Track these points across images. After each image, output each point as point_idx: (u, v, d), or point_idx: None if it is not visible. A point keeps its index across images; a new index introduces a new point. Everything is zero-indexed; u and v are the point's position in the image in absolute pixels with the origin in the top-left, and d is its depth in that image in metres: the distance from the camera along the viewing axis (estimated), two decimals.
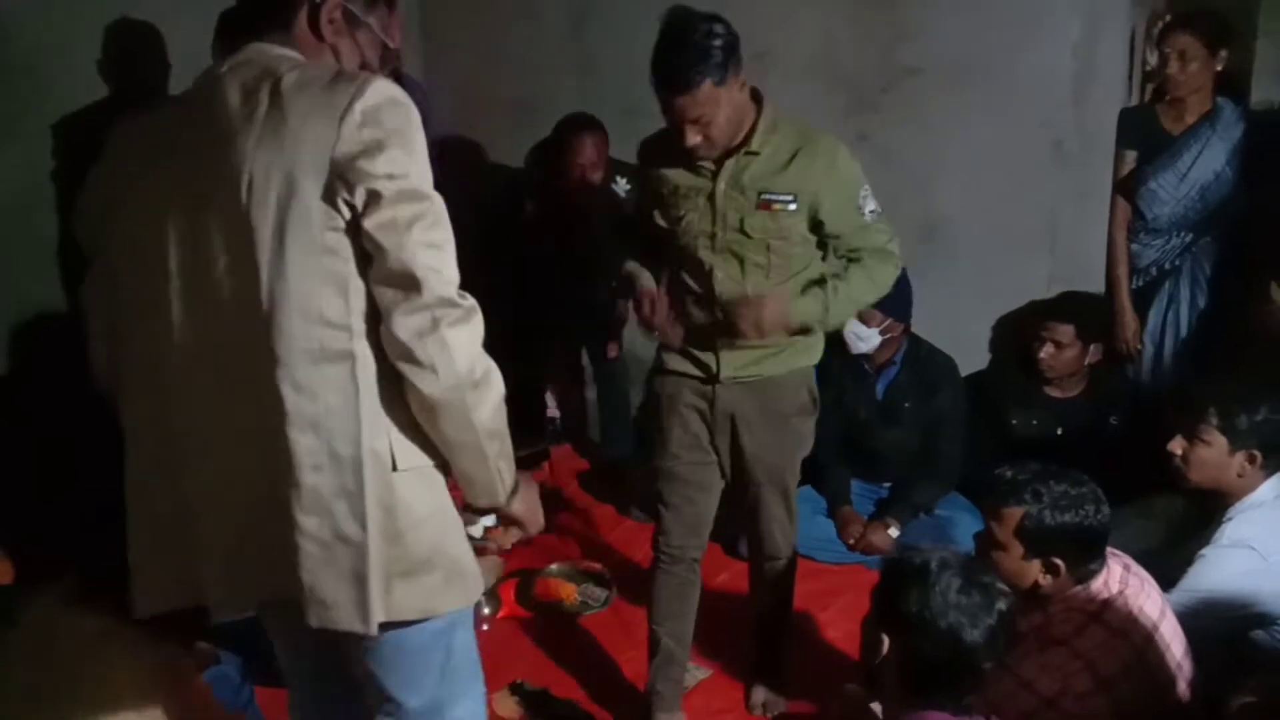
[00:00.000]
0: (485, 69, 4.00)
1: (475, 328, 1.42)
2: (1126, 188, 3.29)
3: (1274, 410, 2.25)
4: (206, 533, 1.46)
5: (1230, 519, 2.25)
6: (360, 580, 1.41)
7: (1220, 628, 2.16)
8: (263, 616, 1.67)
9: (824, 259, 2.37)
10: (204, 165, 1.39)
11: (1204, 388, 2.42)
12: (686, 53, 2.09)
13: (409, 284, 1.36)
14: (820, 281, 2.31)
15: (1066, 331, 3.23)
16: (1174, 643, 1.97)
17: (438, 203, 1.40)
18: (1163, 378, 3.27)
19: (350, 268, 1.37)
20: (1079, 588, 1.95)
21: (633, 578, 2.95)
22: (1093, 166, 3.38)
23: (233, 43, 1.47)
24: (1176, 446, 2.31)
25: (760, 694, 2.61)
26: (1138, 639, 1.92)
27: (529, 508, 1.63)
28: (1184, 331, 3.25)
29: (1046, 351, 3.25)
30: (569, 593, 3.00)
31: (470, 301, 1.41)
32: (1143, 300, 3.29)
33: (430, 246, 1.37)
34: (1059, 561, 1.93)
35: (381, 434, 1.42)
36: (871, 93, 3.50)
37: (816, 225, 2.28)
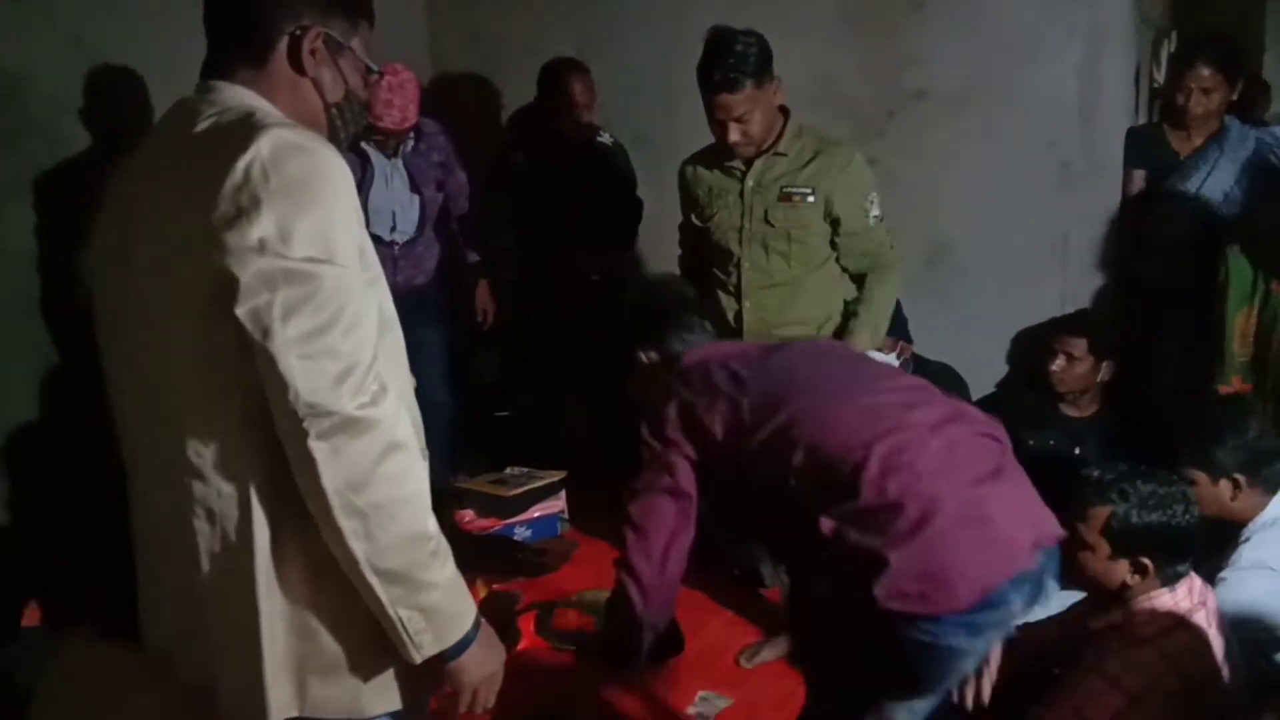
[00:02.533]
0: (490, 100, 4.05)
1: (360, 444, 1.17)
2: (1136, 207, 3.30)
3: (1237, 434, 2.29)
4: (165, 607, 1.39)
5: (1247, 539, 2.25)
6: (255, 674, 1.27)
7: (1242, 649, 2.15)
8: None
9: (837, 259, 2.74)
10: (124, 225, 1.29)
11: (1172, 430, 2.44)
12: (731, 59, 2.46)
13: (277, 383, 1.15)
14: (848, 315, 2.74)
15: (1079, 345, 3.23)
16: (1236, 672, 1.96)
17: (329, 280, 1.17)
18: (1178, 396, 3.26)
19: (235, 349, 1.18)
20: (1165, 591, 1.92)
21: None
22: (1101, 187, 3.39)
23: (203, 79, 1.35)
24: None
25: None
26: (1219, 650, 1.91)
27: (472, 679, 1.33)
28: (1196, 349, 3.25)
29: (1058, 364, 3.25)
30: (589, 624, 3.00)
31: (359, 411, 1.16)
32: (1155, 319, 3.29)
33: (306, 339, 1.15)
34: (1147, 561, 1.90)
35: (285, 526, 1.25)
36: (877, 118, 3.53)
37: (833, 222, 2.67)
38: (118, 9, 2.89)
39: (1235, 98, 3.17)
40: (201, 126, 1.25)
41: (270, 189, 1.16)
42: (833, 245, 2.75)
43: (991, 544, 1.59)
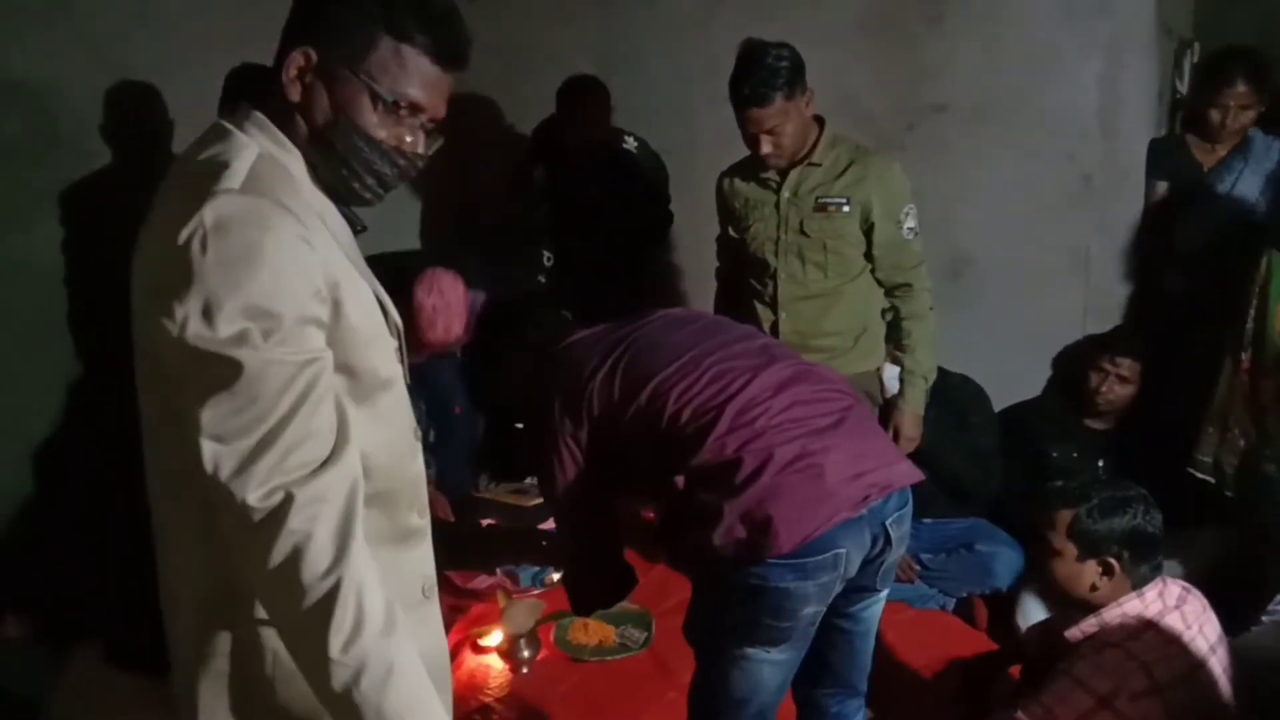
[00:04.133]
0: (511, 112, 4.08)
1: (262, 535, 1.09)
2: (1159, 219, 3.28)
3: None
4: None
5: None
6: None
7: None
8: None
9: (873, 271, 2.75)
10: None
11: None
12: (762, 72, 2.46)
13: (196, 459, 1.09)
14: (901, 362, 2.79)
15: (1133, 368, 3.21)
16: (1223, 677, 1.97)
17: (251, 364, 1.08)
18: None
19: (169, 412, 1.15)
20: (1135, 597, 1.98)
21: (673, 618, 2.93)
22: (1123, 199, 3.38)
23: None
24: None
25: None
26: (1194, 653, 1.93)
27: None
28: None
29: (1108, 385, 3.22)
30: (608, 634, 3.00)
31: (259, 504, 1.09)
32: (1176, 332, 3.27)
33: (217, 421, 1.09)
34: (1114, 561, 1.97)
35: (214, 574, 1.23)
36: (896, 131, 3.52)
37: (867, 232, 2.66)
38: (144, 25, 2.92)
39: (1264, 109, 3.14)
40: (184, 170, 1.21)
41: (206, 264, 1.09)
42: (868, 256, 2.75)
43: (817, 493, 1.71)
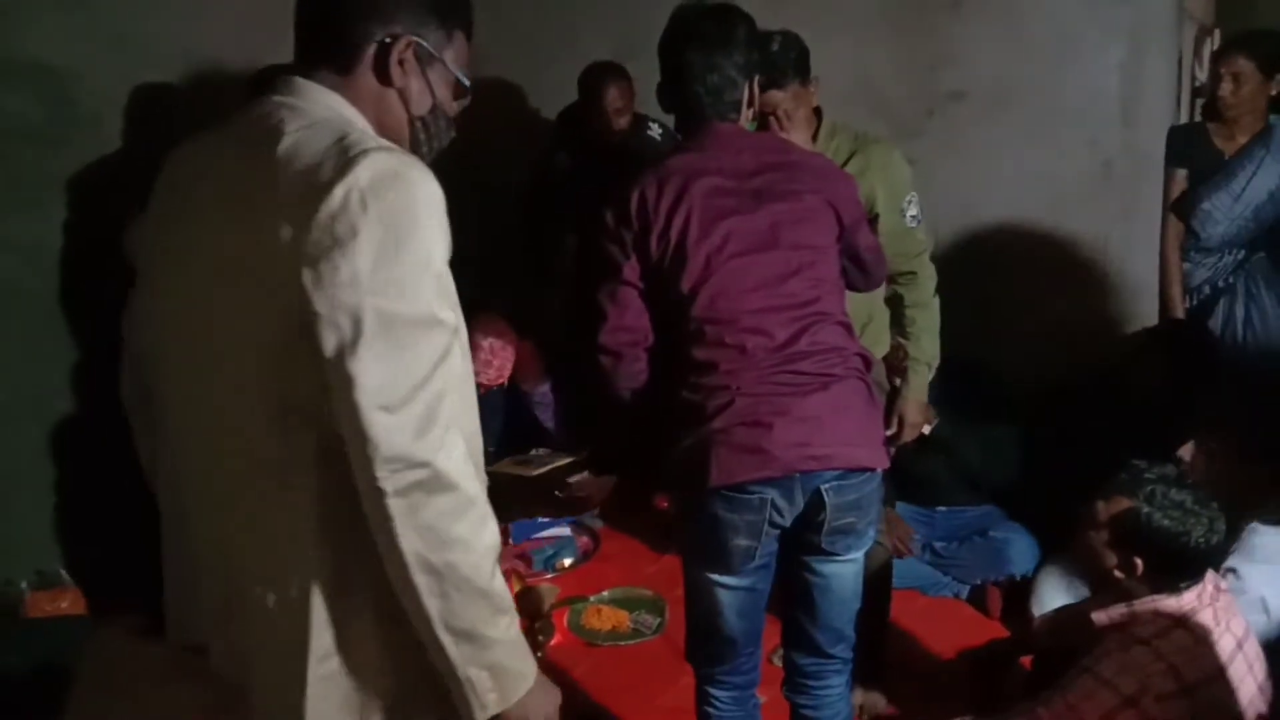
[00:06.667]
0: (528, 100, 4.08)
1: (437, 501, 1.14)
2: (1178, 207, 3.26)
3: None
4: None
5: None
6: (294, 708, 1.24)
7: None
8: None
9: None
10: (187, 221, 1.24)
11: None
12: (771, 57, 2.39)
13: (355, 433, 1.10)
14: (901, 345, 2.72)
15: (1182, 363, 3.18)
16: (1256, 664, 1.95)
17: (419, 327, 1.12)
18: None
19: (308, 386, 1.14)
20: (1172, 596, 1.94)
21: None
22: (1143, 186, 3.35)
23: (276, 78, 1.29)
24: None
25: (859, 694, 2.58)
26: (1223, 652, 1.90)
27: None
28: (1244, 349, 3.20)
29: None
30: (622, 620, 3.01)
31: (438, 467, 1.13)
32: (1197, 320, 3.25)
33: (388, 389, 1.10)
34: (1137, 561, 1.93)
35: (332, 563, 1.22)
36: (915, 118, 3.51)
37: (872, 220, 2.49)
38: (164, 9, 2.93)
39: (1275, 92, 3.12)
40: (290, 139, 1.17)
41: (368, 220, 1.10)
42: None
43: (754, 448, 1.83)
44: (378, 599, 1.21)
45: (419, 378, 1.12)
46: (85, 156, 2.82)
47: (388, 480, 1.11)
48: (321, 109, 1.24)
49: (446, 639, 1.19)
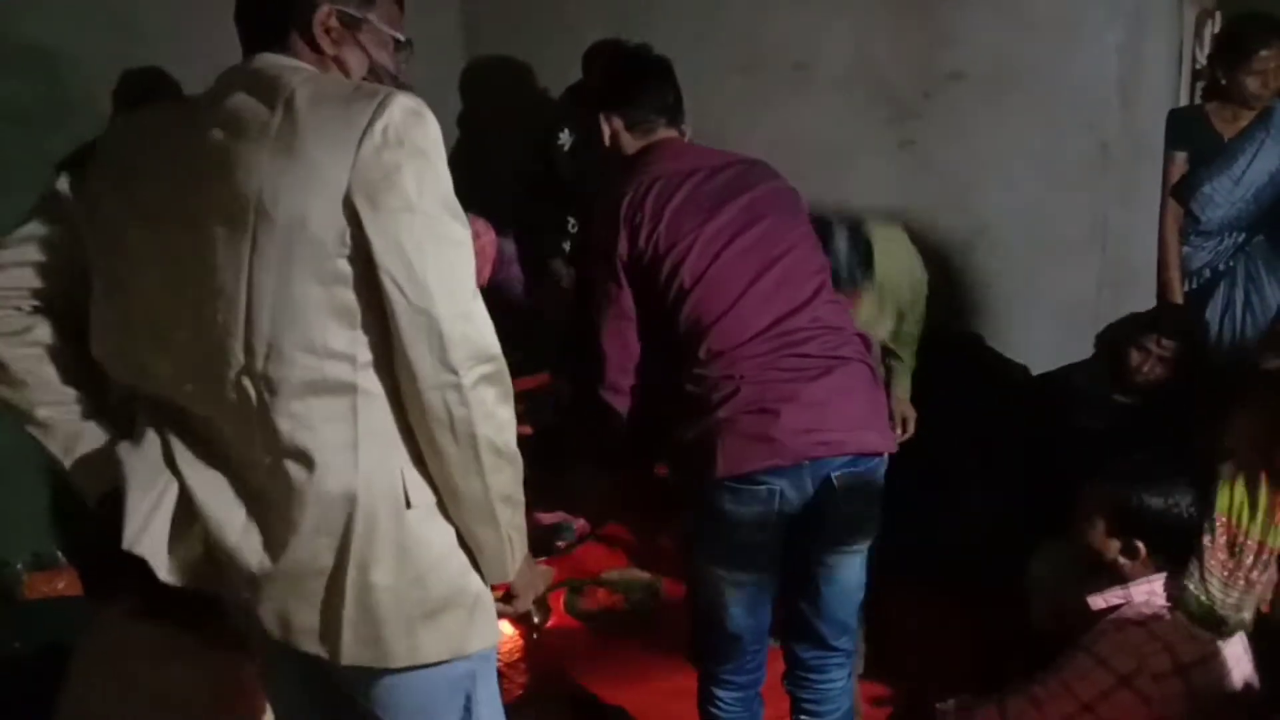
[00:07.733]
0: (525, 81, 4.06)
1: (503, 387, 1.31)
2: (1178, 190, 3.24)
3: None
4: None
5: None
6: (332, 613, 1.32)
7: None
8: (268, 664, 1.57)
9: None
10: (201, 181, 1.26)
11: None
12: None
13: (432, 339, 1.23)
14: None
15: (1177, 349, 3.17)
16: (1245, 655, 1.96)
17: (465, 239, 1.27)
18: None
19: (359, 298, 1.24)
20: (1166, 577, 1.97)
21: (681, 587, 2.95)
22: (1142, 169, 3.35)
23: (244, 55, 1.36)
24: None
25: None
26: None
27: (525, 582, 1.48)
28: (1244, 333, 3.21)
29: (1149, 365, 3.18)
30: (618, 601, 3.02)
31: (499, 361, 1.29)
32: (1196, 304, 3.25)
33: (458, 295, 1.25)
34: (1140, 545, 1.96)
35: (393, 470, 1.31)
36: (913, 99, 3.50)
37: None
38: None
39: None
40: (305, 92, 1.25)
41: (405, 153, 1.22)
42: None
43: (761, 436, 1.81)
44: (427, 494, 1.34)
45: (471, 283, 1.27)
46: (78, 139, 2.80)
47: (468, 374, 1.25)
48: (303, 68, 1.32)
49: (500, 508, 1.35)
